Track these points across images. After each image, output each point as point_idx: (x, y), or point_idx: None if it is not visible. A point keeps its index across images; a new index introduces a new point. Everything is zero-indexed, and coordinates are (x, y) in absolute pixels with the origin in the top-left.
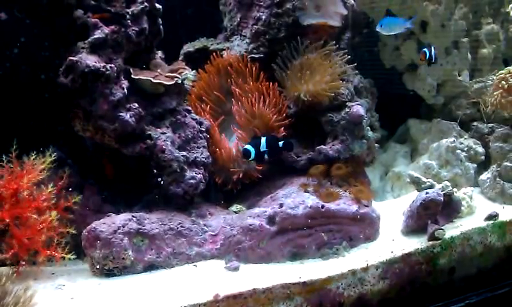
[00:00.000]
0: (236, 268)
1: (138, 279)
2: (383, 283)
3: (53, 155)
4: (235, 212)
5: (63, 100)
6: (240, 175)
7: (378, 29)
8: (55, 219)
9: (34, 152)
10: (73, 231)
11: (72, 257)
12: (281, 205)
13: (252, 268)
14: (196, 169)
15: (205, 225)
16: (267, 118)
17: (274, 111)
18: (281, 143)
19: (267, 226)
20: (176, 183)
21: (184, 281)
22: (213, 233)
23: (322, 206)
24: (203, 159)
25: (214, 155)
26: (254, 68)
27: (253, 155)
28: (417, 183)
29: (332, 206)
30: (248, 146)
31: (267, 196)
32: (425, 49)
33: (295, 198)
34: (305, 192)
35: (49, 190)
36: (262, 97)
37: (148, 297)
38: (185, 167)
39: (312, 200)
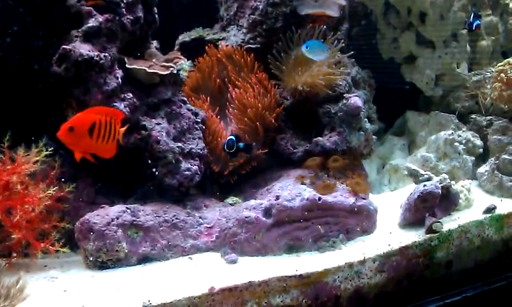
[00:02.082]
0: (234, 261)
1: (132, 272)
2: (380, 276)
3: (49, 149)
4: (231, 204)
5: (56, 90)
6: (236, 163)
7: (303, 49)
8: (46, 196)
9: (26, 143)
10: (68, 225)
11: (66, 250)
12: (277, 197)
13: (248, 261)
14: (192, 161)
15: (200, 217)
16: (258, 108)
17: (265, 102)
18: (241, 144)
19: (264, 219)
20: (171, 175)
21: (178, 274)
22: (208, 226)
23: (319, 199)
24: (199, 150)
25: (210, 145)
26: (249, 59)
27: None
28: (415, 176)
29: (329, 198)
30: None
31: (263, 188)
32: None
33: (291, 190)
34: (302, 184)
35: (49, 191)
36: (253, 88)
37: (142, 290)
38: (181, 159)
39: (308, 192)
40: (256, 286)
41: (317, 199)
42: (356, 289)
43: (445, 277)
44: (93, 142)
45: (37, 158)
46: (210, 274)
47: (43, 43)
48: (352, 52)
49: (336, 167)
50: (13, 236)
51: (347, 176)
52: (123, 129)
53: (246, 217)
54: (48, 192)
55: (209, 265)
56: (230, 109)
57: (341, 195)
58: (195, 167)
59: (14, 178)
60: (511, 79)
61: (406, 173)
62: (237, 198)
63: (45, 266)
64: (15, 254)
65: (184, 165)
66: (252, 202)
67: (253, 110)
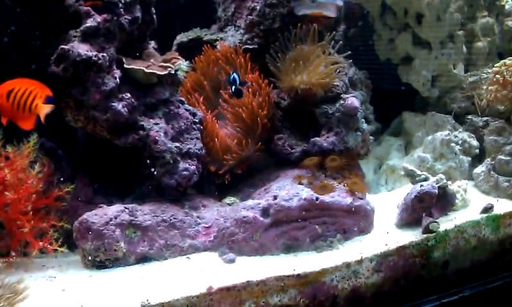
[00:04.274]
0: (232, 260)
1: (130, 271)
2: (377, 276)
3: (46, 149)
4: (229, 204)
5: (53, 89)
6: (232, 162)
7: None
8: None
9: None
10: (66, 224)
11: (64, 250)
12: (275, 197)
13: (246, 261)
14: (190, 161)
15: (198, 217)
16: (254, 107)
17: (259, 101)
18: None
19: (261, 218)
20: (169, 175)
21: (176, 274)
22: (206, 225)
23: (317, 199)
24: (197, 150)
25: (207, 146)
26: (245, 59)
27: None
28: (412, 176)
29: (326, 198)
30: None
31: (261, 188)
32: None
33: (289, 190)
34: (299, 184)
35: (35, 171)
36: (248, 87)
37: (140, 289)
38: (179, 159)
39: (306, 192)
40: (254, 285)
41: (314, 199)
42: (353, 289)
43: (441, 277)
44: (9, 105)
45: (28, 150)
46: (208, 273)
47: (40, 42)
48: (349, 53)
49: (334, 167)
50: (24, 229)
51: (344, 176)
52: (46, 107)
53: (243, 217)
54: (37, 172)
55: (207, 264)
56: (225, 109)
57: (338, 195)
58: (193, 167)
59: (8, 175)
60: (506, 80)
61: (403, 173)
62: (234, 198)
63: (43, 265)
64: (13, 253)
65: (182, 165)
66: (250, 202)
67: (248, 109)
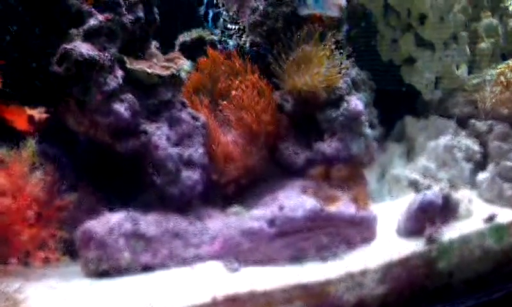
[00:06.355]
0: (237, 271)
1: (133, 281)
2: (382, 287)
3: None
4: (234, 214)
5: (55, 90)
6: (235, 172)
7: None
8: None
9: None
10: (68, 233)
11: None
12: (281, 208)
13: (251, 271)
14: (193, 169)
15: (203, 227)
16: (257, 111)
17: (263, 104)
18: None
19: (267, 229)
20: (172, 183)
21: (180, 283)
22: (211, 235)
23: (322, 209)
24: (200, 158)
25: (211, 153)
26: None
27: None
28: (415, 184)
29: (331, 208)
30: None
31: (266, 198)
32: None
33: (295, 200)
34: (305, 194)
35: (36, 178)
36: (250, 90)
37: (143, 299)
38: (181, 167)
39: (311, 202)
40: (259, 296)
41: (319, 209)
42: (358, 300)
43: (446, 288)
44: None
45: (26, 155)
46: (212, 283)
47: (42, 42)
48: (352, 52)
49: (339, 177)
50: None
51: (349, 186)
52: None
53: (249, 228)
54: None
55: (212, 274)
56: (228, 112)
57: (343, 205)
58: (196, 176)
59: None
60: (510, 82)
61: (406, 183)
62: (240, 208)
63: (45, 275)
64: (15, 260)
65: (185, 173)
66: (256, 212)
67: (250, 113)
